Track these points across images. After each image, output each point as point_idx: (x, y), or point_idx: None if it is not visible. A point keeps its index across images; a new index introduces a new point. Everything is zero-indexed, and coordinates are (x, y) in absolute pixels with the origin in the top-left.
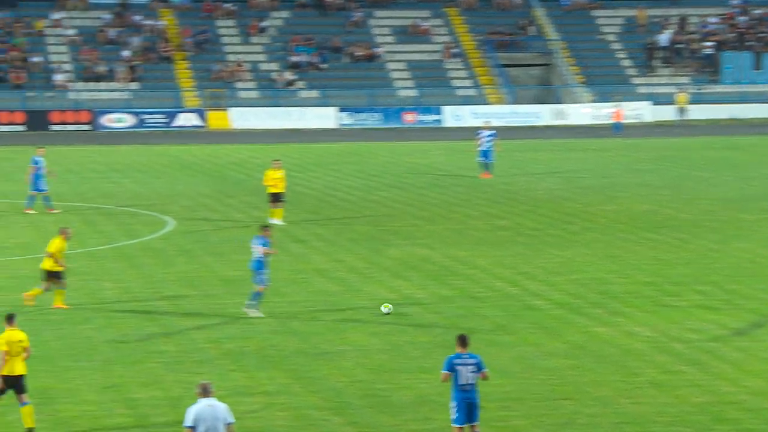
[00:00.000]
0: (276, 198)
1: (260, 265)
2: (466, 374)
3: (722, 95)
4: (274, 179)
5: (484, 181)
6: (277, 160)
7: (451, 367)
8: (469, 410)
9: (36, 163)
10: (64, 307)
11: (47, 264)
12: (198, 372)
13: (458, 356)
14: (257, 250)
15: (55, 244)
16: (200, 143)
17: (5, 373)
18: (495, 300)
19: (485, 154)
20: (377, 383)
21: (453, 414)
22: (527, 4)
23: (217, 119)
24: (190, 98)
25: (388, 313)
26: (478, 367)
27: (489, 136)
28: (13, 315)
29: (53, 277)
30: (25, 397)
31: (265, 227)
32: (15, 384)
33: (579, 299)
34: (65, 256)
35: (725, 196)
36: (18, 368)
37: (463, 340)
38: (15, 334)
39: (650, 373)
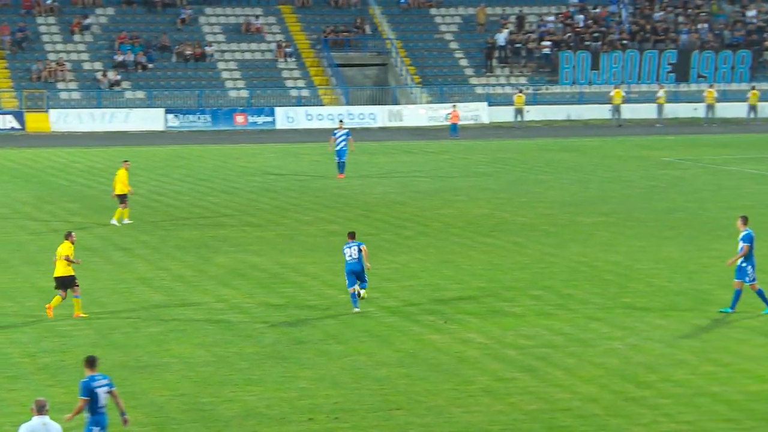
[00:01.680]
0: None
1: (358, 266)
2: (104, 396)
3: (560, 96)
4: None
5: (316, 185)
6: (127, 161)
7: (91, 392)
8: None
9: None
10: (84, 315)
11: (59, 270)
12: (12, 389)
13: (93, 379)
14: (352, 252)
15: (64, 249)
16: (18, 147)
17: None
18: (326, 308)
19: (339, 154)
20: (202, 396)
21: None
22: (363, 2)
23: (36, 121)
24: (7, 99)
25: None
26: (110, 387)
27: (343, 135)
28: None
29: (67, 283)
30: None
31: (352, 232)
32: None
33: (412, 306)
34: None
35: (562, 199)
36: None
37: (92, 362)
38: None
39: (483, 381)
